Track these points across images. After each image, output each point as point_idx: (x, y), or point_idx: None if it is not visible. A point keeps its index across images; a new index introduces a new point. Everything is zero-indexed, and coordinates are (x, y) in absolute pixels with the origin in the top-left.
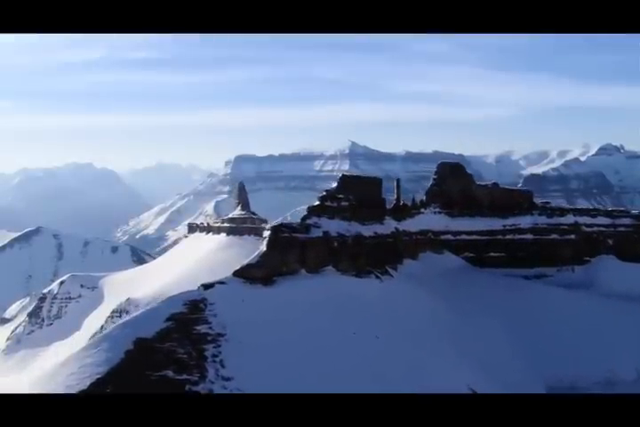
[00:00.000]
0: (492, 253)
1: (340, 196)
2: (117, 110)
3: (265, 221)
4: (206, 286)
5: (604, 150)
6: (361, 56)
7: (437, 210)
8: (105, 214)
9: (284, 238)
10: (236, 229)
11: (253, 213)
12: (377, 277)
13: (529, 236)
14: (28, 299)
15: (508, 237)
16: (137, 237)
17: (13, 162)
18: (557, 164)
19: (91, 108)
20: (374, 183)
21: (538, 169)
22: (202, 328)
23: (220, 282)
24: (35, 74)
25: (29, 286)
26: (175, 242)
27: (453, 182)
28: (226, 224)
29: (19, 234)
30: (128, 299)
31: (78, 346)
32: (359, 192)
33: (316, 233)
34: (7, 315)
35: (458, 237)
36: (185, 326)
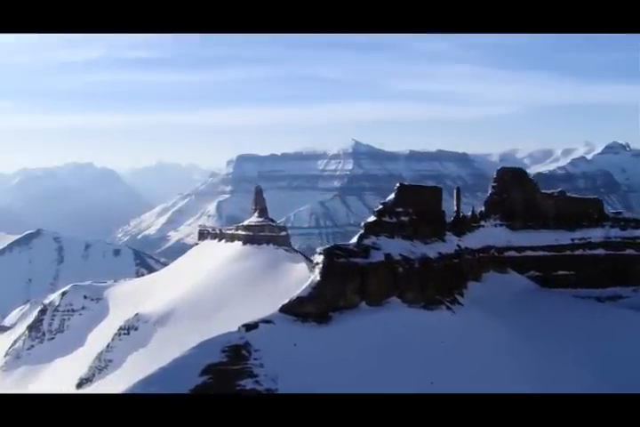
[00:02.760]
0: (561, 272)
1: (399, 209)
2: (117, 110)
3: (284, 229)
4: (248, 327)
5: (611, 149)
6: (361, 55)
7: (498, 222)
8: (105, 214)
9: (340, 265)
10: (253, 237)
11: (272, 220)
12: (448, 307)
13: (601, 251)
14: (28, 306)
15: (577, 252)
16: (138, 237)
17: (13, 162)
18: (562, 162)
19: (90, 108)
20: (434, 193)
21: (543, 168)
22: (247, 383)
23: (266, 321)
24: (34, 73)
25: (29, 291)
26: (177, 242)
27: (515, 191)
28: (241, 232)
29: (18, 237)
30: (137, 314)
31: (82, 363)
32: (418, 204)
33: (377, 256)
34: (6, 323)
35: (522, 254)
36: (225, 380)
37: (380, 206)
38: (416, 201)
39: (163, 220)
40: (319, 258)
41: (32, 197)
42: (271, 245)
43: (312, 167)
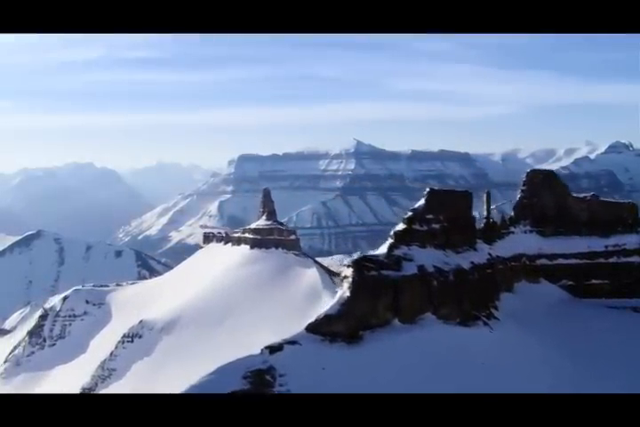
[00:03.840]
0: (594, 281)
1: (429, 216)
2: (117, 110)
3: (294, 233)
4: (272, 349)
5: (614, 148)
6: (361, 54)
7: (528, 228)
8: (106, 215)
9: (371, 279)
10: (261, 241)
11: (281, 224)
12: (484, 323)
13: (636, 258)
14: (28, 309)
15: (611, 260)
16: (139, 237)
17: (14, 162)
18: (565, 162)
19: (90, 108)
20: (464, 198)
21: (546, 167)
22: None
23: (291, 342)
24: (34, 73)
25: (30, 293)
26: (178, 243)
27: (546, 194)
28: (248, 235)
29: (19, 238)
30: (141, 321)
31: (84, 371)
32: (449, 210)
33: (410, 269)
34: (7, 326)
35: (554, 262)
36: None
37: (410, 213)
38: (446, 207)
39: (164, 220)
40: (348, 271)
41: (32, 197)
42: (280, 250)
43: (314, 167)
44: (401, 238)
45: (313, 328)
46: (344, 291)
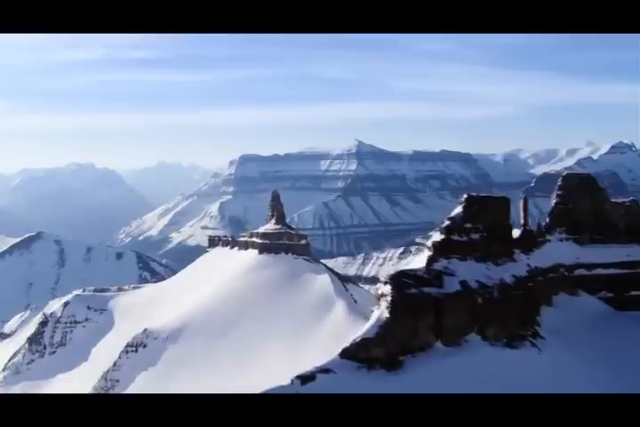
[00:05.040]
0: (634, 292)
1: (468, 225)
2: (117, 110)
3: (304, 237)
4: (304, 379)
5: (617, 149)
6: (361, 54)
7: (564, 236)
8: (107, 215)
9: (412, 297)
10: (270, 245)
11: (290, 228)
12: (532, 343)
13: None
14: (28, 312)
15: None
16: (140, 238)
17: (14, 162)
18: (567, 162)
19: (91, 108)
20: (503, 204)
21: (547, 168)
22: None
23: (324, 370)
24: (35, 73)
25: (30, 296)
26: (179, 244)
27: (582, 200)
28: (256, 239)
29: (19, 240)
30: (145, 330)
31: (86, 381)
32: (487, 218)
33: (453, 285)
34: (6, 329)
35: (592, 272)
36: None
37: (448, 222)
38: (485, 214)
39: (164, 221)
40: (385, 288)
41: (33, 197)
42: (290, 255)
43: (315, 168)
44: (440, 250)
45: (349, 354)
46: (382, 311)
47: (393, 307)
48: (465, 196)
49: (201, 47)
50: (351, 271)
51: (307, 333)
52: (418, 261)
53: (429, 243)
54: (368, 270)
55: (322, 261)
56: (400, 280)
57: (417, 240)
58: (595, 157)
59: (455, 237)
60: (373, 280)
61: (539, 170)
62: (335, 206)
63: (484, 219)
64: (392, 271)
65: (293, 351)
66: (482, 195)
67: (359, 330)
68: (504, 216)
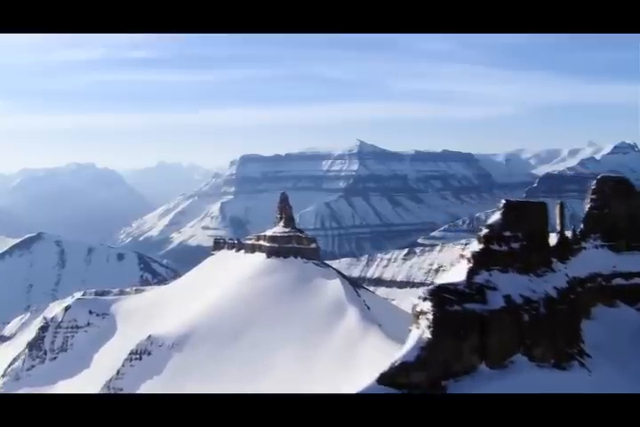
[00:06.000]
0: None
1: (508, 233)
2: (117, 110)
3: (314, 241)
4: None
5: (619, 149)
6: (361, 54)
7: (599, 242)
8: (107, 215)
9: (456, 315)
10: (279, 249)
11: (300, 231)
12: (580, 363)
13: None
14: (28, 314)
15: None
16: (140, 239)
17: (14, 162)
18: (569, 162)
19: (91, 108)
20: (541, 211)
21: (549, 168)
22: None
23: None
24: (35, 73)
25: (30, 297)
26: (180, 244)
27: (618, 204)
28: (264, 242)
29: (19, 240)
30: (150, 336)
31: (88, 389)
32: (527, 226)
33: (497, 300)
34: (6, 332)
35: (630, 281)
36: None
37: (486, 230)
38: (524, 222)
39: (165, 221)
40: (424, 305)
41: (33, 198)
42: (299, 259)
43: (316, 168)
44: (480, 261)
45: (387, 380)
46: (422, 331)
47: (435, 326)
48: (503, 201)
49: (201, 47)
50: (355, 273)
51: (317, 340)
52: (453, 273)
53: (467, 253)
54: (372, 272)
55: (325, 261)
56: (441, 296)
57: (419, 241)
58: (597, 157)
59: (495, 247)
60: (378, 282)
61: (540, 170)
62: (337, 207)
63: (523, 226)
64: (430, 287)
65: (304, 359)
66: (520, 200)
67: (397, 353)
68: (542, 223)
